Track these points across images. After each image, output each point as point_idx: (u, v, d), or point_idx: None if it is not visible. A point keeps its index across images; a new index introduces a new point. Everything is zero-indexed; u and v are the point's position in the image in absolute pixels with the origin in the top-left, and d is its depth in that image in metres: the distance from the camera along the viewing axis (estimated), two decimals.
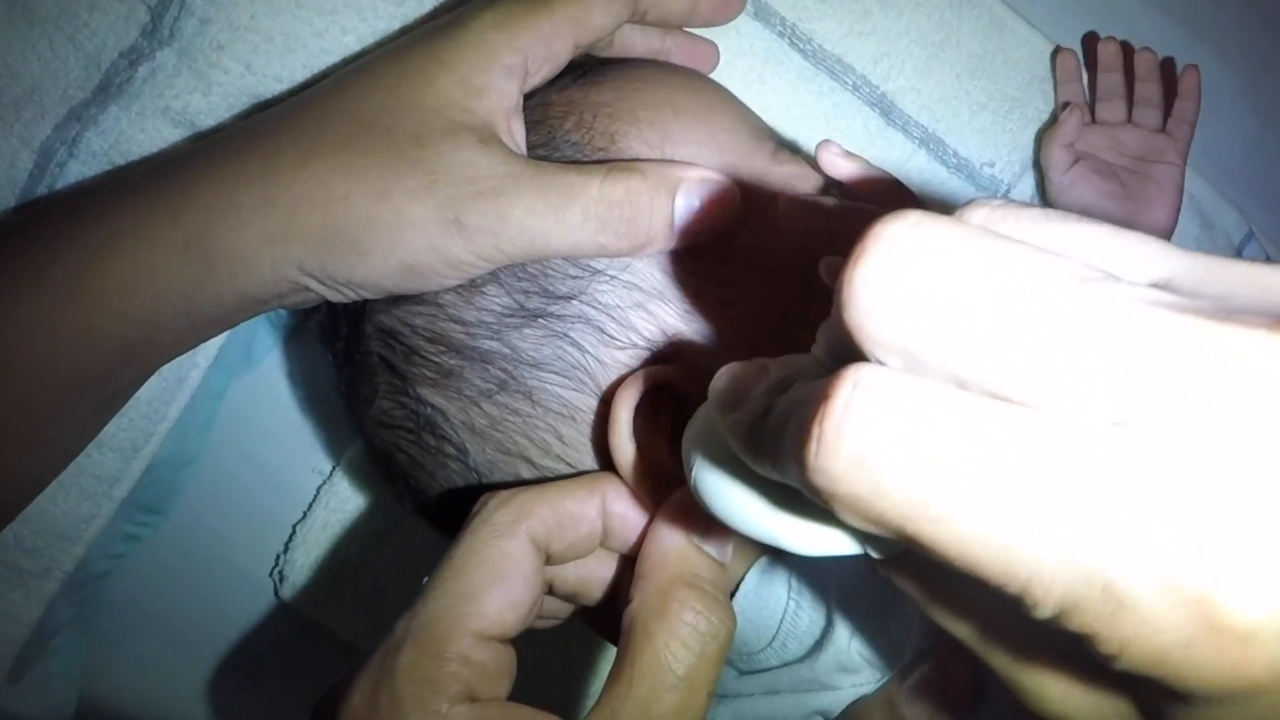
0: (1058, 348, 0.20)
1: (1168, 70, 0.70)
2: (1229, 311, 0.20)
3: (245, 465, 0.66)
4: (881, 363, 0.21)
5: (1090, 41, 0.71)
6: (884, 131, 0.66)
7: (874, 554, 0.27)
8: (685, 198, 0.42)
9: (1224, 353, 0.19)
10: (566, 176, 0.41)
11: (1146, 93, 0.69)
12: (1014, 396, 0.20)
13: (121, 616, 0.67)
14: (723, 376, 0.29)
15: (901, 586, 0.27)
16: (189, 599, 0.68)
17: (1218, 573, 0.18)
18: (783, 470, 0.23)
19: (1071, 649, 0.21)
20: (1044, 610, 0.20)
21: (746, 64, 0.64)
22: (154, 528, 0.65)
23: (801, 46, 0.65)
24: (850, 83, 0.65)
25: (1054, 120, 0.69)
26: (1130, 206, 0.67)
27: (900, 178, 0.66)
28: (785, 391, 0.25)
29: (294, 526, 0.66)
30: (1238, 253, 0.76)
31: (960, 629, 0.26)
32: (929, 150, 0.67)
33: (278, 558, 0.67)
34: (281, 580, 0.67)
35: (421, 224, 0.40)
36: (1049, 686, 0.24)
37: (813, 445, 0.21)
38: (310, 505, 0.66)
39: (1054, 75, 0.69)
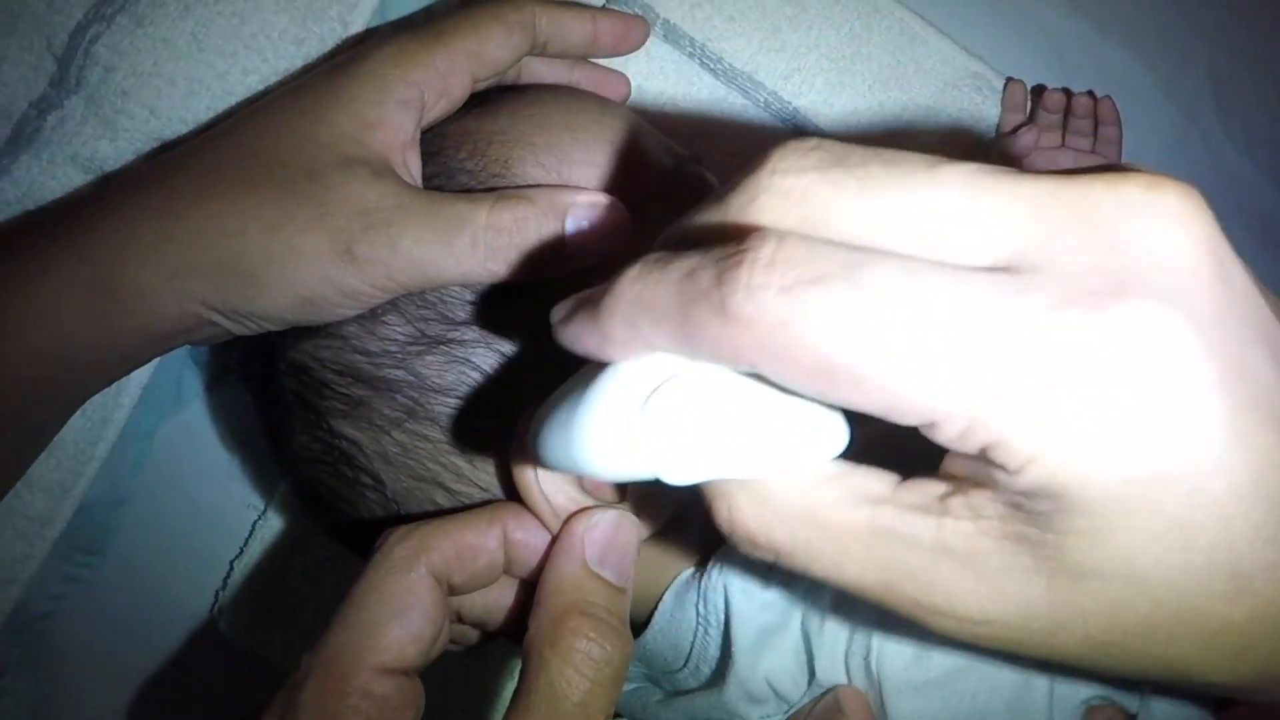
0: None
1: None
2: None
3: (181, 504, 0.67)
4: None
5: (1037, 90, 0.73)
6: None
7: (670, 480, 0.27)
8: (574, 222, 0.42)
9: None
10: (455, 206, 0.42)
11: (1079, 126, 0.70)
12: None
13: (67, 656, 0.68)
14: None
15: (760, 538, 0.27)
16: (132, 637, 0.68)
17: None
18: (693, 330, 0.24)
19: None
20: (951, 431, 0.22)
21: (658, 87, 0.65)
22: (92, 568, 0.66)
23: (712, 66, 0.65)
24: (762, 100, 0.66)
25: (993, 135, 0.71)
26: None
27: None
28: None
29: (231, 563, 0.67)
30: None
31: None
32: None
33: (217, 593, 0.67)
34: (221, 616, 0.67)
35: (314, 256, 0.41)
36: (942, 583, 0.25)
37: (741, 288, 0.22)
38: (246, 541, 0.67)
39: (1002, 101, 0.71)
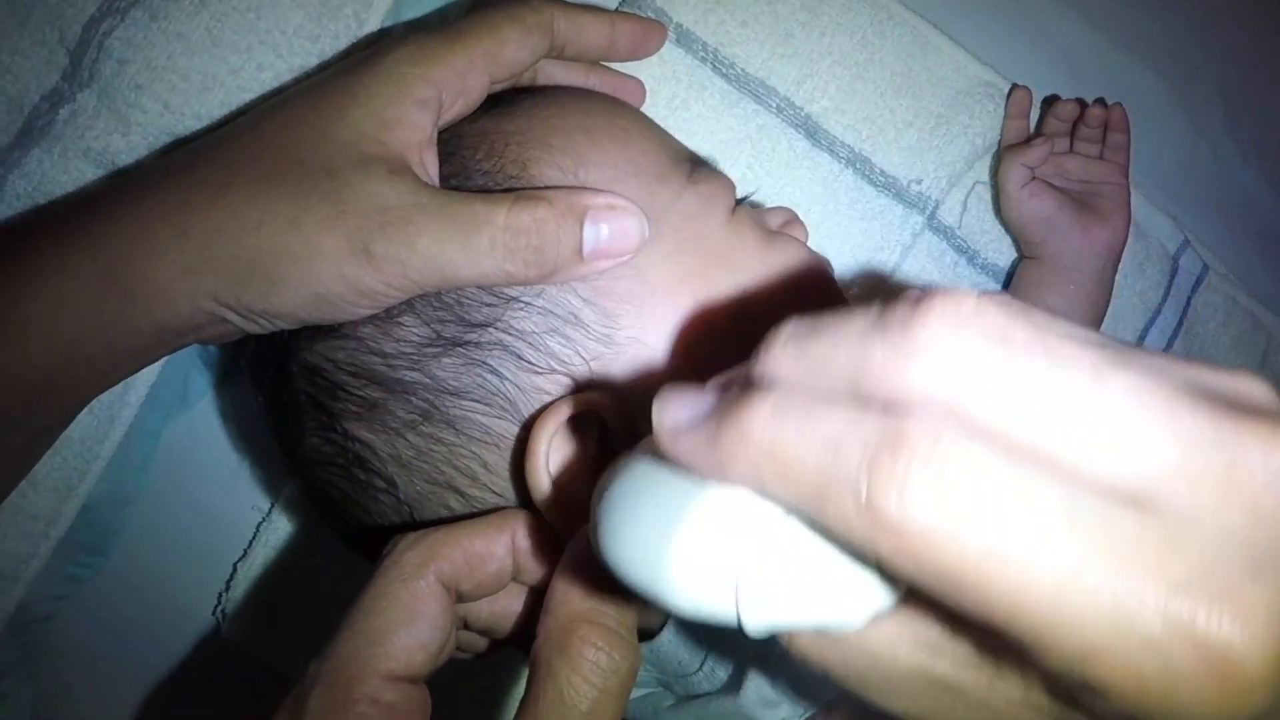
0: None
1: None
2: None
3: (185, 504, 0.66)
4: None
5: (1049, 100, 0.73)
6: (810, 153, 0.67)
7: (750, 632, 0.27)
8: (593, 224, 0.42)
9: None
10: (474, 206, 0.41)
11: (1089, 134, 0.71)
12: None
13: (68, 658, 0.67)
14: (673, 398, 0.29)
15: (813, 659, 0.28)
16: (134, 639, 0.68)
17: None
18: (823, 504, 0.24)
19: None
20: (1059, 656, 0.22)
21: (670, 90, 0.65)
22: (95, 569, 0.65)
23: (724, 71, 0.65)
24: (774, 105, 0.66)
25: (998, 146, 0.71)
26: (1086, 217, 0.69)
27: (828, 198, 0.67)
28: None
29: (235, 565, 0.66)
30: (1174, 261, 0.76)
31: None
32: (855, 170, 0.67)
33: (220, 596, 0.67)
34: (225, 618, 0.67)
35: (331, 253, 0.41)
36: None
37: (894, 488, 0.22)
38: (251, 543, 0.66)
39: (1006, 108, 0.71)
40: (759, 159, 0.66)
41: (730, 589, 0.26)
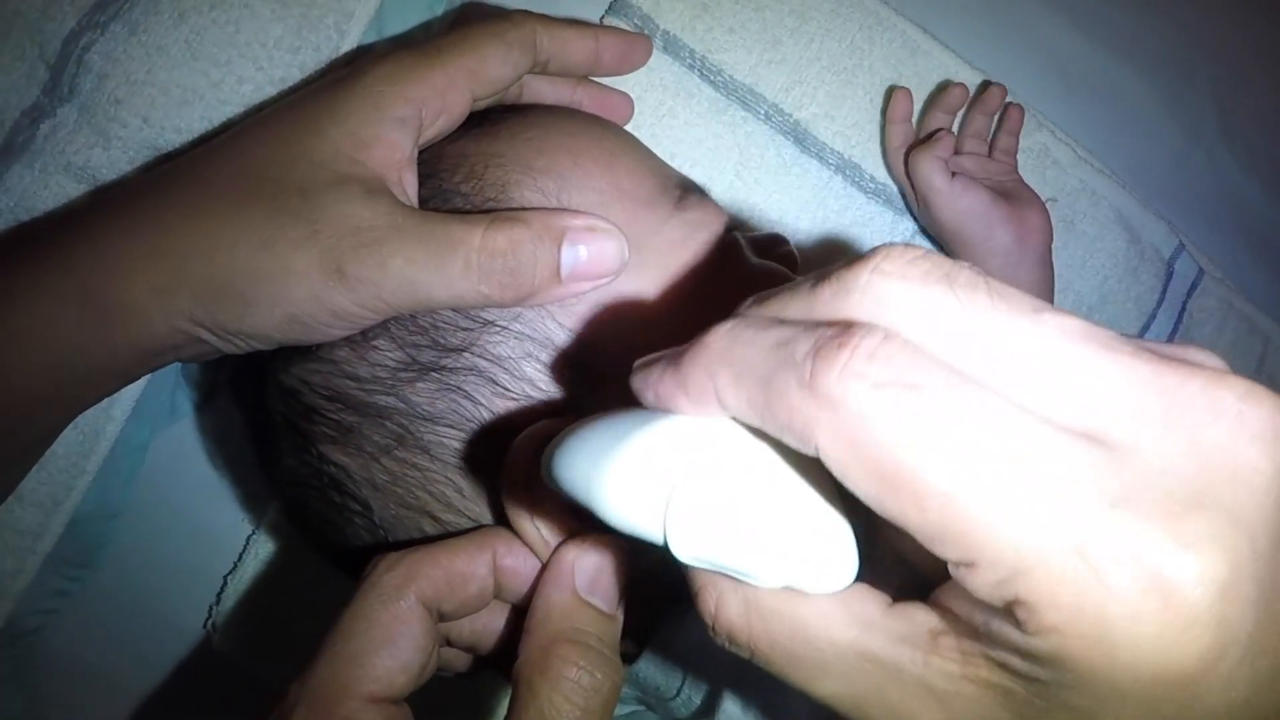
0: None
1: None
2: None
3: (174, 518, 0.66)
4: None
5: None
6: (799, 160, 0.66)
7: (678, 553, 0.27)
8: (571, 246, 0.42)
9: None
10: (449, 226, 0.41)
11: (978, 128, 0.69)
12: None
13: (57, 672, 0.67)
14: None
15: (739, 637, 0.28)
16: (123, 652, 0.68)
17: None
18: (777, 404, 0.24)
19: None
20: (988, 572, 0.22)
21: (657, 98, 0.64)
22: (84, 582, 0.65)
23: (712, 78, 0.65)
24: (762, 112, 0.66)
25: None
26: (1016, 206, 0.66)
27: (818, 205, 0.66)
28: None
29: (225, 578, 0.66)
30: (1169, 266, 0.76)
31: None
32: (845, 176, 0.67)
33: (210, 609, 0.67)
34: (215, 631, 0.66)
35: (304, 274, 0.40)
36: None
37: (835, 368, 0.23)
38: (240, 556, 0.66)
39: (886, 112, 0.68)
40: (747, 166, 0.66)
41: (662, 509, 0.27)
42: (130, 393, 0.59)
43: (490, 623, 0.43)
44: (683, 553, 0.27)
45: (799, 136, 0.66)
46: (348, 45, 0.56)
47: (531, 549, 0.41)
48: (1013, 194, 0.67)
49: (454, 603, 0.40)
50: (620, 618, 0.39)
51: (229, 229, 0.41)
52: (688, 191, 0.48)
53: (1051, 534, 0.21)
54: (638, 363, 0.29)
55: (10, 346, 0.43)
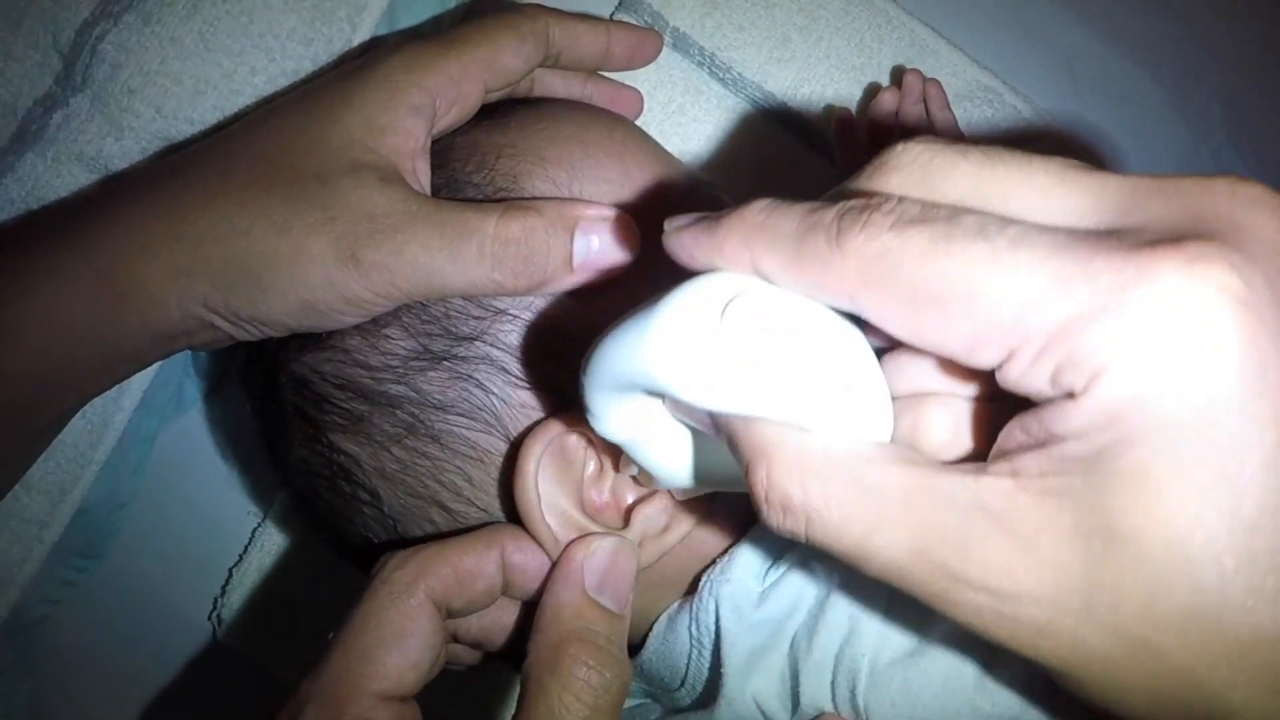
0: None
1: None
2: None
3: (180, 509, 0.67)
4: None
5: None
6: (807, 156, 0.67)
7: (724, 401, 0.28)
8: (583, 235, 0.42)
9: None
10: (464, 214, 0.41)
11: (915, 117, 0.67)
12: None
13: (62, 661, 0.67)
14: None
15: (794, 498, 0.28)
16: (128, 642, 0.68)
17: None
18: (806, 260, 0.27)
19: None
20: (1028, 355, 0.24)
21: (666, 94, 0.65)
22: (89, 572, 0.65)
23: (721, 75, 0.65)
24: (771, 109, 0.66)
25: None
26: None
27: None
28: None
29: (230, 569, 0.67)
30: None
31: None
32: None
33: (215, 600, 0.67)
34: (220, 623, 0.67)
35: (319, 259, 0.40)
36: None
37: (860, 223, 0.25)
38: (246, 547, 0.67)
39: (833, 139, 0.67)
40: (755, 162, 0.66)
41: (712, 350, 0.28)
42: (139, 383, 0.59)
43: (499, 618, 0.43)
44: (735, 401, 0.28)
45: (807, 134, 0.66)
46: (360, 37, 0.56)
47: (542, 546, 0.41)
48: None
49: (463, 600, 0.40)
50: (629, 617, 0.39)
51: (245, 214, 0.41)
52: (699, 183, 0.49)
53: (1072, 295, 0.23)
54: (669, 223, 0.30)
55: (24, 329, 0.43)
